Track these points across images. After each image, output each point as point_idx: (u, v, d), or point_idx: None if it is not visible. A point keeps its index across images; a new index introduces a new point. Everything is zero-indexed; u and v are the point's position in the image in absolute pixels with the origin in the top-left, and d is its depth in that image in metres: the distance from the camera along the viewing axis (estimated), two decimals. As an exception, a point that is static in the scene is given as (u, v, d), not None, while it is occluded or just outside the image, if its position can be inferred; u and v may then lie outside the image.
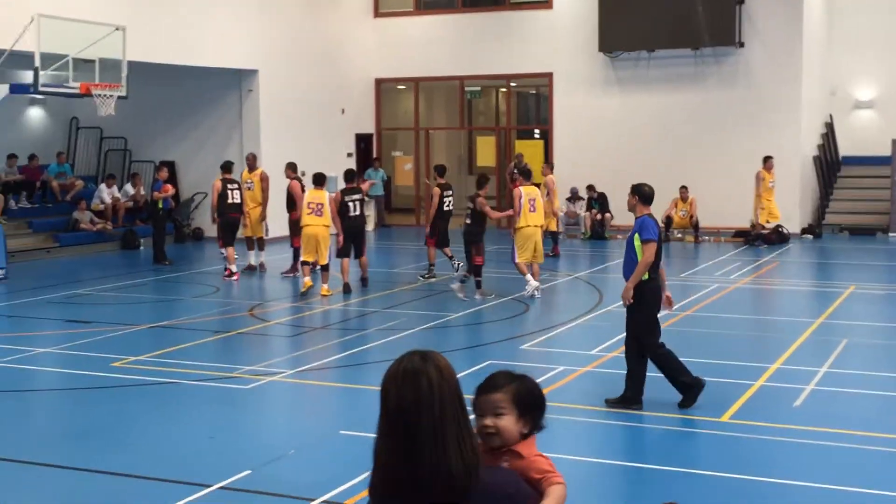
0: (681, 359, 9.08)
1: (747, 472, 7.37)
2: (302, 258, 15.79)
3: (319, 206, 15.53)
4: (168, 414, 9.16)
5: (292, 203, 17.34)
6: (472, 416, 2.96)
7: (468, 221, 15.43)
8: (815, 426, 8.43)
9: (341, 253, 15.85)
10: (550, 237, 20.11)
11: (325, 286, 15.45)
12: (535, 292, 15.08)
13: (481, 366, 10.18)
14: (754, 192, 21.72)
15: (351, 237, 15.92)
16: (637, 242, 9.02)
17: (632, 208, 9.34)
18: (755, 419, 8.64)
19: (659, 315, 9.22)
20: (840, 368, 10.61)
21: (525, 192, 15.35)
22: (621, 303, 9.37)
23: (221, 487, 7.08)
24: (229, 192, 17.73)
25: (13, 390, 10.20)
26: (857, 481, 7.19)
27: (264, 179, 18.41)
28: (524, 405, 3.08)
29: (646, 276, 8.99)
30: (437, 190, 16.85)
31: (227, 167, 18.04)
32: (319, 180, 15.87)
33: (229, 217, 17.78)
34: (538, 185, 17.30)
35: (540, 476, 3.03)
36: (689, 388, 8.95)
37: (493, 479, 2.86)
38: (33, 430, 8.87)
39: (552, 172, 21.05)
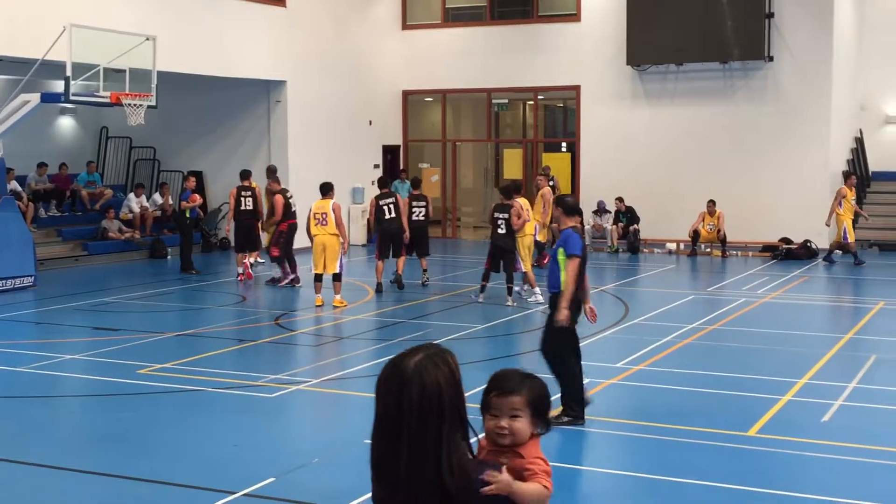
0: (709, 372, 9.01)
1: (774, 487, 7.30)
2: (312, 271, 15.77)
3: (324, 216, 15.55)
4: (193, 421, 9.19)
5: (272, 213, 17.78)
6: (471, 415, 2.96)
7: (503, 231, 15.49)
8: (844, 441, 8.34)
9: (379, 255, 16.95)
10: (536, 248, 20.47)
11: (338, 297, 15.47)
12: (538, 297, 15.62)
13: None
14: (832, 209, 21.16)
15: (388, 239, 16.95)
16: (561, 256, 8.89)
17: (556, 220, 9.37)
18: (782, 434, 8.56)
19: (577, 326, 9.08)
20: (869, 384, 10.50)
21: (521, 202, 16.16)
22: (645, 317, 9.33)
23: (246, 494, 7.09)
24: (242, 199, 18.20)
25: (41, 396, 10.28)
26: (886, 498, 7.11)
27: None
28: (538, 408, 3.12)
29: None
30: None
31: (244, 175, 18.42)
32: (325, 190, 15.96)
33: (241, 223, 18.22)
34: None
35: (531, 476, 3.05)
36: (571, 408, 8.80)
37: (480, 475, 2.90)
38: (60, 436, 8.92)
39: (549, 184, 20.94)
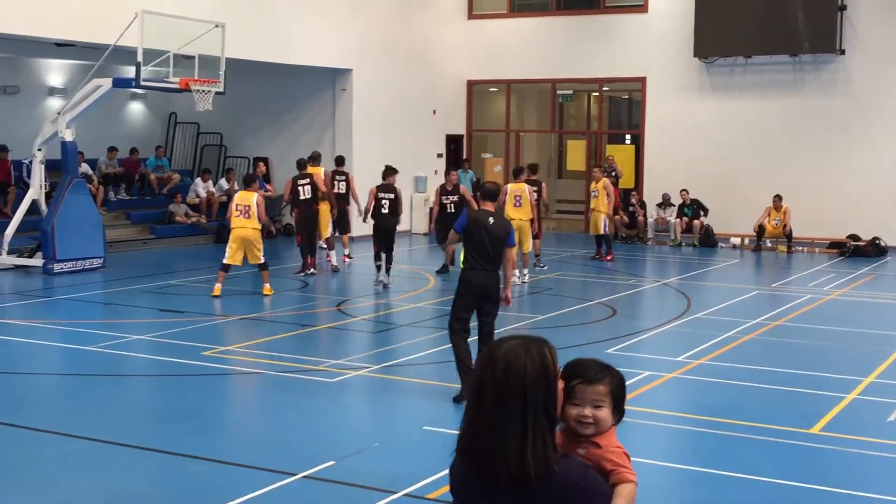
0: (772, 368, 8.91)
1: (836, 486, 7.21)
2: (224, 261, 15.50)
3: (247, 208, 15.36)
4: (255, 403, 9.33)
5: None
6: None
7: (386, 212, 16.31)
8: (909, 442, 8.20)
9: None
10: (595, 240, 20.62)
11: (267, 285, 15.40)
12: (518, 279, 16.03)
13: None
14: None
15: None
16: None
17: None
18: (846, 432, 8.44)
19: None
20: (937, 384, 10.28)
21: (511, 188, 16.78)
22: (707, 311, 9.28)
23: (305, 476, 7.18)
24: (300, 188, 17.61)
25: (108, 374, 10.50)
26: (952, 500, 6.98)
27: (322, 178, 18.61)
28: (617, 397, 3.12)
29: (462, 265, 9.44)
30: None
31: (301, 164, 18.17)
32: (249, 181, 15.85)
33: (303, 212, 17.70)
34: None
35: (613, 468, 3.01)
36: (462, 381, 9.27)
37: (564, 469, 2.85)
38: (126, 413, 9.11)
39: (605, 176, 20.71)
